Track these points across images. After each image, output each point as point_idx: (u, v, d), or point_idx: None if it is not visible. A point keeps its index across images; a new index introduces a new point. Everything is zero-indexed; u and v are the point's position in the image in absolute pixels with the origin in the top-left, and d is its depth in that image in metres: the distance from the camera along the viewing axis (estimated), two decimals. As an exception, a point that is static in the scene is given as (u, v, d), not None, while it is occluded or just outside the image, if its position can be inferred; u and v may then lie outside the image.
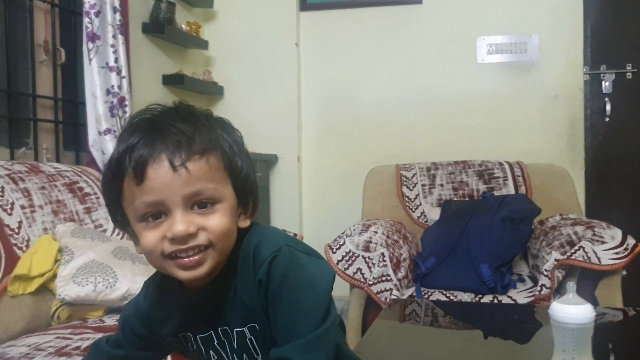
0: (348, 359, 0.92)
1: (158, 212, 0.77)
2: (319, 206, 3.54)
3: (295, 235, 2.18)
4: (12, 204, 1.78)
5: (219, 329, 0.86)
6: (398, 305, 1.99)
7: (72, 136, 2.62)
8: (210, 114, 0.85)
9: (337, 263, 2.20)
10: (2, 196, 1.76)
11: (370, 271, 2.17)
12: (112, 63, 2.45)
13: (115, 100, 2.47)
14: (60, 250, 1.79)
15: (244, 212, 0.84)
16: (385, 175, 2.85)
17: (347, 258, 2.20)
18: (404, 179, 2.81)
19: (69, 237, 1.82)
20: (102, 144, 2.44)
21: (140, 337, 0.94)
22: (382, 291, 2.16)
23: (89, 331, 1.59)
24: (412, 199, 2.77)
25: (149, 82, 3.00)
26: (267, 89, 3.53)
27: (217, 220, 0.78)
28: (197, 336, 0.88)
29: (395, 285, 2.17)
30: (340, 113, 3.50)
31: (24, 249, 1.75)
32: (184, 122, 0.78)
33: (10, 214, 1.75)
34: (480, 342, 1.60)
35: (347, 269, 2.19)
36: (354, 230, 2.31)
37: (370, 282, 2.16)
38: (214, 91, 3.53)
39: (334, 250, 2.23)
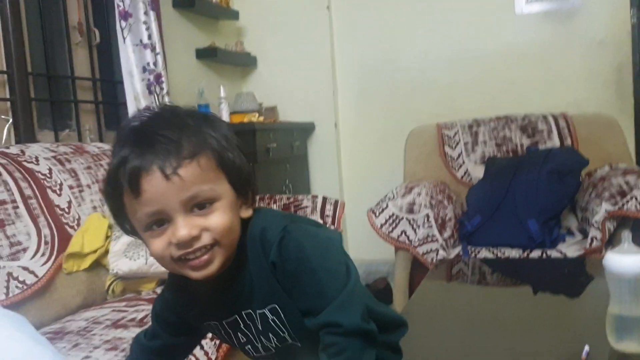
0: (378, 314, 0.92)
1: (161, 220, 0.78)
2: (359, 171, 3.53)
3: (337, 202, 2.18)
4: (61, 184, 1.82)
5: (243, 312, 0.88)
6: (445, 266, 1.98)
7: (112, 116, 2.66)
8: (195, 112, 0.84)
9: (381, 227, 2.19)
10: (51, 177, 1.80)
11: (415, 233, 2.16)
12: (145, 40, 2.46)
13: (151, 77, 2.49)
14: (110, 227, 1.84)
15: (244, 202, 0.85)
16: (426, 135, 2.81)
17: (390, 221, 2.19)
18: (446, 138, 2.77)
19: (117, 214, 1.86)
20: (142, 122, 2.47)
21: (173, 324, 0.97)
22: (428, 252, 2.14)
23: (143, 303, 1.63)
24: (455, 158, 2.72)
25: (182, 57, 3.02)
26: (300, 56, 3.50)
27: (217, 219, 0.79)
28: (224, 321, 0.90)
29: (442, 246, 2.16)
30: (377, 75, 3.45)
31: (75, 227, 1.80)
32: (169, 128, 0.78)
33: (59, 195, 1.80)
34: (530, 299, 1.57)
35: (391, 232, 2.18)
36: (397, 193, 2.29)
37: (416, 244, 2.15)
38: (247, 62, 3.52)
39: (377, 214, 2.23)
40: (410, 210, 2.19)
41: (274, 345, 0.89)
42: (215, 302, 0.88)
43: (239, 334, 0.90)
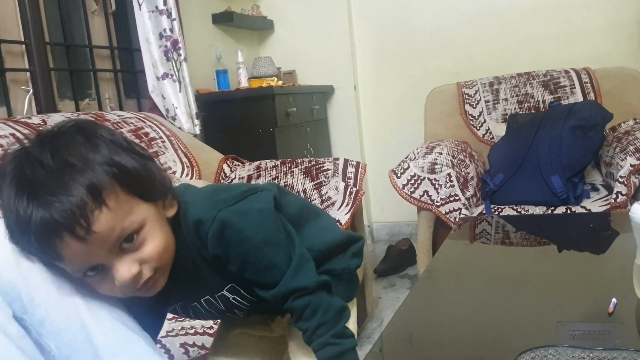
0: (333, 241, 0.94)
1: (94, 267, 0.74)
2: (380, 133, 3.51)
3: (359, 164, 2.18)
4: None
5: (202, 300, 0.88)
6: (468, 224, 1.97)
7: (131, 84, 2.67)
8: (70, 138, 0.73)
9: (403, 187, 2.19)
10: (74, 146, 1.82)
11: (437, 192, 2.15)
12: (161, 6, 2.45)
13: (168, 44, 2.48)
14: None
15: (164, 202, 0.81)
16: (447, 95, 2.78)
17: (412, 182, 2.19)
18: (466, 96, 2.73)
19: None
20: (162, 89, 2.47)
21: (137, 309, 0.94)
22: (450, 211, 2.14)
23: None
24: (476, 117, 2.69)
25: (199, 23, 3.00)
26: (317, 18, 3.46)
27: (150, 247, 0.76)
28: (188, 305, 0.90)
29: (464, 205, 2.15)
30: (395, 35, 3.40)
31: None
32: (57, 181, 0.69)
33: (83, 163, 1.82)
34: (555, 255, 1.56)
35: (413, 192, 2.18)
36: (418, 153, 2.27)
37: (438, 203, 2.14)
38: (264, 26, 3.49)
39: (399, 174, 2.22)
40: (432, 170, 2.18)
41: (240, 316, 0.92)
42: (174, 293, 0.87)
43: (203, 315, 0.92)
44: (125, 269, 0.73)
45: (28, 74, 2.10)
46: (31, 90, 2.09)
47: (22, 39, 2.09)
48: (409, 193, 2.18)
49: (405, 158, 2.28)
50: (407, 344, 0.99)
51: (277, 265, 0.81)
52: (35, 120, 1.81)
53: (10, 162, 0.72)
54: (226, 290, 0.87)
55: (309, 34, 3.48)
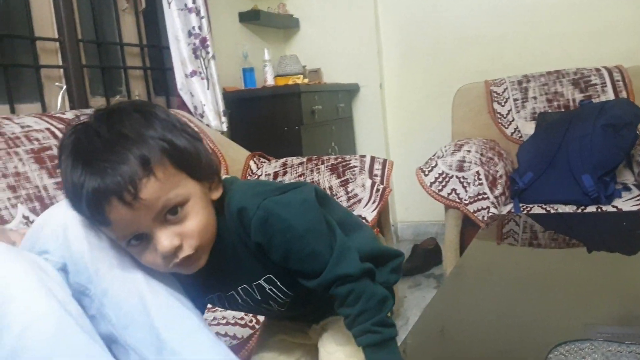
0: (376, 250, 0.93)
1: (138, 236, 0.78)
2: (406, 131, 3.49)
3: (385, 161, 2.17)
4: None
5: (239, 288, 0.89)
6: (496, 223, 1.95)
7: (160, 81, 2.70)
8: (128, 114, 0.78)
9: (430, 185, 2.18)
10: (105, 142, 1.85)
11: (466, 191, 2.14)
12: (190, 4, 2.47)
13: (197, 42, 2.50)
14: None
15: (211, 184, 0.84)
16: (474, 93, 2.76)
17: (440, 179, 2.18)
18: (495, 95, 2.71)
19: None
20: (190, 86, 2.50)
21: None
22: (479, 210, 2.12)
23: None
24: (505, 115, 2.67)
25: (226, 21, 3.02)
26: (343, 16, 3.46)
27: (192, 223, 0.79)
28: (224, 296, 0.91)
29: (493, 203, 2.13)
30: (422, 33, 3.38)
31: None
32: (111, 150, 0.73)
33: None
34: (586, 255, 1.54)
35: (440, 190, 2.17)
36: (446, 151, 2.26)
37: (466, 202, 2.13)
38: (290, 24, 3.50)
39: (426, 172, 2.21)
40: (460, 168, 2.16)
41: (276, 310, 0.92)
42: (212, 282, 0.89)
43: (240, 306, 0.93)
44: (167, 239, 0.77)
45: (62, 70, 2.14)
46: (64, 87, 2.13)
47: (56, 37, 2.12)
48: (436, 191, 2.16)
49: (433, 156, 2.27)
50: (439, 336, 0.99)
51: (320, 254, 0.82)
52: (69, 115, 1.84)
53: (70, 134, 0.77)
54: (263, 280, 0.88)
55: (335, 32, 3.48)
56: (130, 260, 0.83)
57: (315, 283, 0.83)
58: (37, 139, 1.64)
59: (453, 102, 2.79)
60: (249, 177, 2.32)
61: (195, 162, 0.79)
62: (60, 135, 1.71)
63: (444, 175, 2.17)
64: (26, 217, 1.48)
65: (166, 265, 0.80)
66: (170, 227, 0.77)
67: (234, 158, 2.35)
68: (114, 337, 0.82)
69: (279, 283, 0.88)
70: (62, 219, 0.82)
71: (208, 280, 0.88)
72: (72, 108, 2.12)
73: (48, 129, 1.70)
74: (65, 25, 2.11)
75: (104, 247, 0.83)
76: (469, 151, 2.23)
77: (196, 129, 2.16)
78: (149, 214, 0.75)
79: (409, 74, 3.45)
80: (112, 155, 0.73)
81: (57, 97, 2.11)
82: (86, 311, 0.83)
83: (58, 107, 2.10)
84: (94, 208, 0.74)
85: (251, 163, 2.38)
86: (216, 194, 0.84)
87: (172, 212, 0.77)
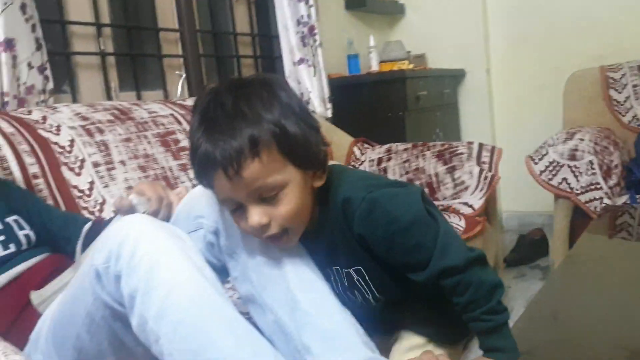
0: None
1: (237, 204, 0.84)
2: (513, 118, 3.40)
3: (494, 148, 2.14)
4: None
5: (333, 267, 0.93)
6: (609, 215, 1.88)
7: (269, 69, 2.80)
8: (256, 87, 0.83)
9: (540, 174, 2.12)
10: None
11: (577, 180, 2.07)
12: (299, -7, 2.54)
13: (305, 30, 2.57)
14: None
15: (315, 172, 0.86)
16: (589, 79, 2.64)
17: (550, 168, 2.12)
18: (611, 81, 2.58)
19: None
20: (297, 74, 2.57)
21: None
22: (591, 200, 2.05)
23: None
24: (622, 102, 2.53)
25: (332, 9, 3.07)
26: (449, 0, 3.40)
27: (284, 208, 0.83)
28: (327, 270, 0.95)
29: (606, 194, 2.05)
30: (532, 17, 3.26)
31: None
32: (228, 123, 0.80)
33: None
34: None
35: (551, 179, 2.11)
36: (557, 139, 2.19)
37: (578, 191, 2.06)
38: (395, 10, 3.50)
39: (536, 161, 2.15)
40: (572, 156, 2.09)
41: (359, 302, 0.95)
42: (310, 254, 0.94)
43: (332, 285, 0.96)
44: (256, 216, 0.82)
45: (181, 59, 2.28)
46: (184, 75, 2.27)
47: (177, 27, 2.26)
48: (546, 180, 2.11)
49: (544, 144, 2.21)
50: (549, 323, 0.99)
51: (424, 246, 0.83)
52: (189, 102, 1.97)
53: (206, 95, 0.85)
54: (353, 270, 0.92)
55: (441, 17, 3.43)
56: None
57: (423, 277, 0.84)
58: (163, 124, 1.77)
59: (565, 88, 2.69)
60: (352, 163, 2.36)
61: (302, 151, 0.83)
62: (182, 120, 1.84)
63: (554, 164, 2.11)
64: (153, 196, 1.61)
65: (257, 236, 0.86)
66: (263, 205, 0.82)
67: (338, 144, 2.40)
68: (253, 298, 0.91)
69: (366, 277, 0.91)
70: None
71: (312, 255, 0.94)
72: (190, 95, 2.26)
73: (172, 114, 1.83)
74: (184, 17, 2.25)
75: None
76: (582, 139, 2.14)
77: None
78: (245, 190, 0.81)
79: (518, 59, 3.35)
80: (228, 129, 0.79)
81: (177, 84, 2.25)
82: (231, 272, 0.93)
83: (178, 94, 2.24)
84: (202, 171, 0.83)
85: (355, 149, 2.42)
86: (319, 183, 0.87)
87: (266, 194, 0.82)
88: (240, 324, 0.82)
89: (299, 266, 0.90)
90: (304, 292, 0.88)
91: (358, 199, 0.85)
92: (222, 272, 0.97)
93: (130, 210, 0.97)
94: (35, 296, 1.01)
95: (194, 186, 1.00)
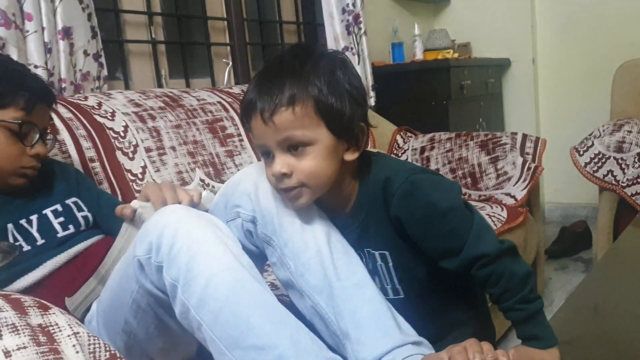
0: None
1: (267, 152, 0.89)
2: (559, 109, 3.35)
3: (538, 139, 2.13)
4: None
5: (365, 249, 0.97)
6: (657, 208, 1.86)
7: (313, 57, 2.82)
8: (309, 55, 0.89)
9: (585, 166, 2.10)
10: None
11: (624, 173, 2.04)
12: (346, -18, 2.55)
13: (350, 18, 2.59)
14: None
15: (349, 146, 0.91)
16: (639, 70, 2.58)
17: (595, 160, 2.10)
18: (662, 71, 2.52)
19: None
20: (342, 62, 2.59)
21: None
22: (637, 193, 2.02)
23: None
24: (672, 94, 2.47)
25: (378, -4, 3.07)
26: (496, -12, 3.36)
27: (307, 163, 0.87)
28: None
29: (653, 187, 2.02)
30: (581, 6, 3.20)
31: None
32: (279, 75, 0.86)
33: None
34: None
35: (596, 171, 2.09)
36: (604, 130, 2.16)
37: (624, 184, 2.03)
38: (440, -2, 3.48)
39: (581, 152, 2.14)
40: (619, 149, 2.06)
41: (379, 285, 0.97)
42: (345, 234, 0.98)
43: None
44: (279, 164, 0.87)
45: (228, 48, 2.33)
46: (230, 63, 2.32)
47: (225, 16, 2.31)
48: (591, 172, 2.09)
49: (589, 135, 2.19)
50: (590, 315, 1.00)
51: (459, 233, 0.86)
52: (236, 90, 2.01)
53: (282, 50, 0.94)
54: (378, 254, 0.95)
55: (487, 5, 3.39)
56: (310, 218, 0.95)
57: (455, 263, 0.87)
58: (211, 111, 1.82)
59: (614, 79, 2.63)
60: (395, 152, 2.38)
61: (338, 118, 0.87)
62: (229, 108, 1.89)
63: (600, 156, 2.09)
64: (202, 180, 1.67)
65: (274, 184, 0.91)
66: (289, 156, 0.87)
67: (381, 132, 2.42)
68: (290, 283, 0.94)
69: (390, 264, 0.95)
70: (255, 180, 0.96)
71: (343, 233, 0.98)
72: (236, 83, 2.31)
73: (219, 102, 1.88)
74: (232, 5, 2.29)
75: (288, 205, 0.94)
76: (629, 131, 2.11)
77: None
78: (275, 137, 0.86)
79: (565, 49, 3.29)
80: (275, 80, 0.86)
81: (224, 72, 2.30)
82: (269, 258, 0.96)
83: (225, 82, 2.30)
84: (244, 112, 0.89)
85: (398, 137, 2.43)
86: (350, 157, 0.91)
87: (294, 147, 0.87)
88: (277, 309, 0.85)
89: (338, 254, 0.93)
90: (341, 279, 0.91)
91: (400, 180, 0.88)
92: (262, 258, 1.01)
93: (137, 217, 1.01)
94: (69, 303, 1.06)
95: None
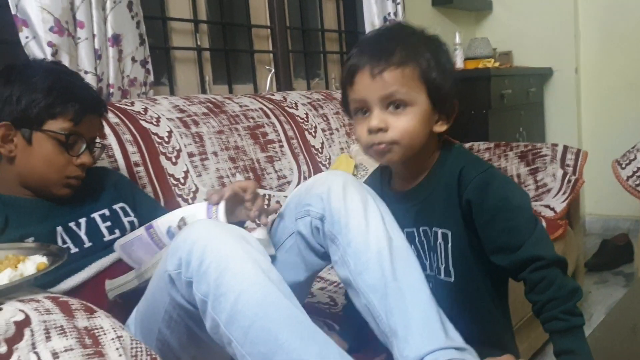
0: None
1: (364, 109, 0.97)
2: (601, 120, 3.29)
3: (579, 151, 2.11)
4: (315, 127, 2.05)
5: (420, 228, 1.02)
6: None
7: (354, 64, 2.84)
8: (423, 34, 1.00)
9: (627, 179, 2.07)
10: (307, 121, 2.04)
11: (668, 187, 2.00)
12: (387, -10, 2.57)
13: (391, 27, 2.59)
14: (356, 167, 2.02)
15: (441, 118, 0.99)
16: (686, 81, 2.52)
17: (638, 174, 2.05)
18: None
19: (362, 155, 2.04)
20: (381, 70, 2.60)
21: None
22: (682, 209, 1.98)
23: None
24: None
25: (419, 5, 3.07)
26: (539, -3, 3.33)
27: (404, 121, 0.95)
28: (405, 230, 1.02)
29: (699, 203, 1.97)
30: (627, 14, 3.14)
31: (327, 165, 2.02)
32: (392, 39, 0.96)
33: (314, 136, 2.03)
34: None
35: (638, 185, 2.05)
36: (647, 143, 2.12)
37: (668, 199, 1.99)
38: (483, 6, 3.45)
39: (623, 165, 2.10)
40: (663, 163, 2.02)
41: (426, 272, 1.02)
42: (400, 210, 1.03)
43: (413, 247, 1.03)
44: (376, 119, 0.95)
45: (271, 55, 2.37)
46: (273, 70, 2.36)
47: (268, 24, 2.35)
48: (633, 185, 2.05)
49: (632, 148, 2.15)
50: (630, 333, 0.99)
51: (521, 231, 0.91)
52: (278, 97, 2.05)
53: (384, 25, 1.11)
54: (441, 231, 1.00)
55: (529, 13, 3.36)
56: (376, 221, 0.98)
57: (509, 260, 0.91)
58: (253, 117, 1.86)
59: (660, 91, 2.59)
60: (433, 160, 2.38)
61: (438, 89, 0.96)
62: (270, 114, 1.93)
63: (643, 170, 2.05)
64: (242, 186, 1.71)
65: (367, 144, 0.98)
66: (387, 114, 0.95)
67: (420, 140, 2.42)
68: (349, 281, 0.98)
69: (449, 244, 0.99)
70: (328, 184, 1.02)
71: (398, 209, 1.03)
72: (278, 90, 2.35)
73: (261, 108, 1.92)
74: (276, 14, 2.33)
75: (356, 206, 0.99)
76: (675, 145, 2.07)
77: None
78: (379, 92, 0.94)
79: (609, 59, 3.23)
80: (388, 44, 0.95)
81: (266, 79, 2.34)
82: (332, 256, 1.01)
83: (267, 89, 2.34)
84: (349, 70, 0.97)
85: (437, 146, 2.43)
86: (440, 128, 0.99)
87: (394, 105, 0.95)
88: (306, 325, 0.86)
89: (396, 255, 0.96)
90: (397, 280, 0.94)
91: (478, 170, 0.95)
92: (324, 258, 1.06)
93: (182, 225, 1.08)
94: (108, 283, 1.10)
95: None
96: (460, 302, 0.99)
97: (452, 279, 1.00)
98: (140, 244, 1.13)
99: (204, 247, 0.88)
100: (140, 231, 1.14)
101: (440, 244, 1.00)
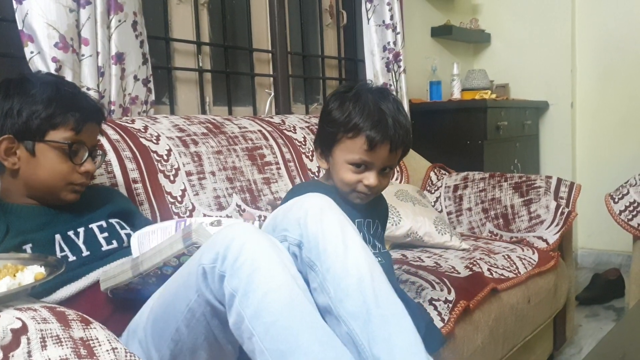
0: None
1: (363, 165, 1.17)
2: (596, 154, 3.33)
3: (573, 184, 2.13)
4: (312, 151, 2.07)
5: (366, 219, 1.25)
6: (693, 261, 1.83)
7: (352, 91, 2.88)
8: (400, 104, 1.23)
9: (619, 214, 2.09)
10: (305, 145, 2.06)
11: (659, 223, 2.02)
12: (387, 21, 2.62)
13: (390, 56, 2.64)
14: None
15: None
16: (678, 119, 2.57)
17: (630, 209, 2.08)
18: (703, 123, 2.50)
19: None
20: (380, 97, 2.64)
21: None
22: (673, 244, 2.00)
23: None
24: None
25: (418, 36, 3.13)
26: (537, 32, 3.39)
27: (387, 181, 1.22)
28: (355, 220, 1.18)
29: (690, 239, 1.99)
30: (623, 52, 3.20)
31: (323, 190, 2.03)
32: (400, 118, 1.17)
33: (311, 160, 2.05)
34: None
35: (630, 220, 2.07)
36: (640, 178, 2.15)
37: (659, 234, 2.01)
38: (481, 39, 3.52)
39: (616, 200, 2.12)
40: (655, 198, 2.05)
41: (374, 251, 1.21)
42: (351, 204, 1.23)
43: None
44: (376, 180, 1.18)
45: (271, 79, 2.40)
46: (272, 93, 2.39)
47: (270, 48, 2.39)
48: (625, 220, 2.07)
49: (625, 183, 2.17)
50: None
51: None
52: (276, 120, 2.08)
53: (356, 85, 1.23)
54: (377, 220, 1.25)
55: (527, 48, 3.43)
56: (354, 246, 1.00)
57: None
58: (251, 139, 1.88)
59: (653, 127, 2.63)
60: (428, 188, 2.40)
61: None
62: (268, 137, 1.95)
63: (635, 205, 2.07)
64: (238, 206, 1.72)
65: (351, 188, 1.19)
66: (379, 174, 1.19)
67: (415, 168, 2.45)
68: (329, 309, 0.97)
69: (379, 230, 1.31)
70: (306, 207, 1.03)
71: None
72: (277, 113, 2.37)
73: (260, 130, 1.95)
74: (278, 39, 2.37)
75: (332, 230, 1.00)
76: (667, 181, 2.09)
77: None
78: (387, 162, 1.18)
79: (605, 94, 3.29)
80: (402, 123, 1.17)
81: (266, 102, 2.37)
82: (309, 284, 1.00)
83: (266, 112, 2.36)
84: (375, 139, 1.14)
85: (432, 174, 2.46)
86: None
87: (386, 169, 1.20)
88: (326, 331, 0.90)
89: (378, 281, 0.97)
90: (380, 307, 0.95)
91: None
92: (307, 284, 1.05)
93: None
94: (102, 274, 1.12)
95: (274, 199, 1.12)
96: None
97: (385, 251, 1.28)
98: (162, 235, 1.15)
99: (242, 245, 0.92)
100: (170, 224, 1.17)
101: (378, 230, 1.29)
